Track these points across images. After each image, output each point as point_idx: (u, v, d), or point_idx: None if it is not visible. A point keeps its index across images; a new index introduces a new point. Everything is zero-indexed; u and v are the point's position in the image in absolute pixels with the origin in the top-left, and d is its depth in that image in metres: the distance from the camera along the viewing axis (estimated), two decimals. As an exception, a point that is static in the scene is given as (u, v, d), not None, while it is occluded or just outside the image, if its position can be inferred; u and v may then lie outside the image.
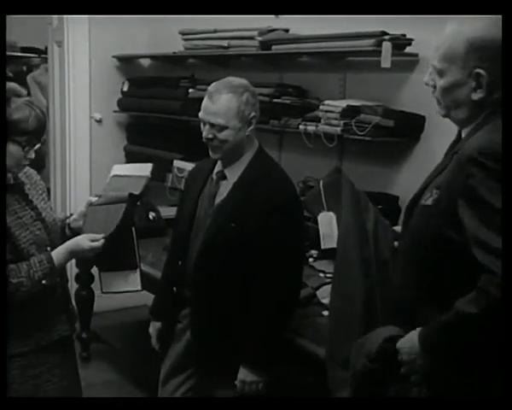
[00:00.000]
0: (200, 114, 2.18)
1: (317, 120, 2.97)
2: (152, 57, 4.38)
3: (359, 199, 1.93)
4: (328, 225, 2.04)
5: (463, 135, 1.60)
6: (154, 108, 4.06)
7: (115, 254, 2.07)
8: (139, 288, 2.11)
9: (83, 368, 3.45)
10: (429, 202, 1.53)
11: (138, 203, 2.14)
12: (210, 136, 2.15)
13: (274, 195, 2.16)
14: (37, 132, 1.95)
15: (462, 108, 1.55)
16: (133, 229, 2.07)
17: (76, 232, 2.10)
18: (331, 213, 2.04)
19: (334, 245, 1.97)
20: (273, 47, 3.24)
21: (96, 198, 2.14)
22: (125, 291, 2.13)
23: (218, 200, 2.22)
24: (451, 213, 1.46)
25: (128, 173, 2.22)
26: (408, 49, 2.82)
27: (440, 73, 1.55)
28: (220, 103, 2.13)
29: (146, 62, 4.51)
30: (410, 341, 1.51)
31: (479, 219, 1.40)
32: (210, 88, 2.19)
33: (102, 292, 2.14)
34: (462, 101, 1.54)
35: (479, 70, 1.49)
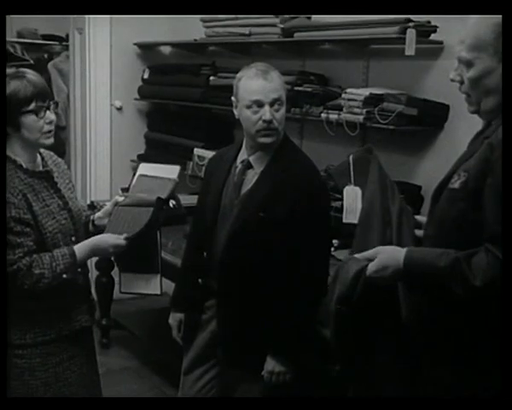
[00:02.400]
0: (259, 96, 2.11)
1: (339, 108, 2.95)
2: (173, 45, 4.38)
3: (386, 183, 1.92)
4: (352, 199, 2.02)
5: (493, 121, 1.57)
6: (175, 96, 4.07)
7: (138, 257, 2.06)
8: (158, 292, 2.11)
9: (103, 354, 3.50)
10: (456, 185, 1.52)
11: (164, 207, 2.12)
12: (271, 117, 2.11)
13: (302, 183, 2.15)
14: (40, 94, 1.93)
15: (493, 96, 1.52)
16: (158, 233, 2.07)
17: (100, 230, 2.10)
18: (357, 188, 2.02)
19: (356, 221, 1.96)
20: (295, 34, 3.22)
21: (123, 198, 2.14)
22: (144, 294, 2.13)
23: (244, 189, 2.20)
24: (478, 195, 1.46)
25: (155, 175, 2.20)
26: (433, 37, 2.78)
27: (469, 64, 1.53)
28: (276, 80, 2.14)
29: (167, 50, 4.51)
30: (393, 252, 1.56)
31: (497, 202, 1.41)
32: (249, 71, 2.16)
33: (121, 292, 2.15)
34: (494, 88, 1.51)
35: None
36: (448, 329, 1.54)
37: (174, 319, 2.44)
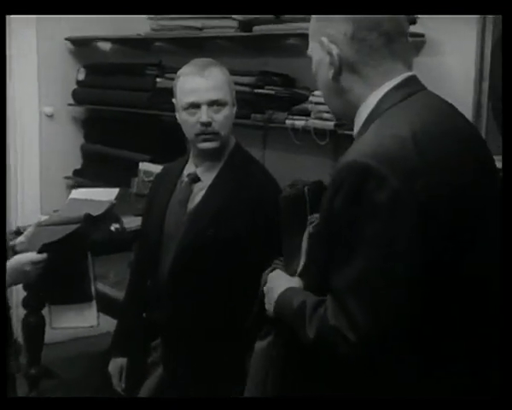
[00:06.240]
0: (194, 97, 2.21)
1: (306, 113, 3.05)
2: (113, 40, 4.40)
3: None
4: None
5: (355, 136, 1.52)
6: (116, 101, 4.10)
7: (67, 285, 2.12)
8: (95, 323, 2.15)
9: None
10: (311, 229, 1.52)
11: (100, 228, 2.15)
12: (209, 119, 2.20)
13: (257, 196, 2.22)
14: None
15: (331, 94, 1.53)
16: (89, 255, 2.11)
17: None
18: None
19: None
20: (254, 28, 3.31)
21: (47, 218, 2.19)
22: (78, 327, 2.17)
23: (191, 206, 2.28)
24: (330, 239, 1.39)
25: (89, 198, 2.24)
26: (412, 29, 2.84)
27: (312, 58, 1.55)
28: (215, 76, 2.22)
29: (106, 46, 4.52)
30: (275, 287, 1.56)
31: (338, 256, 1.35)
32: (189, 68, 2.25)
33: (52, 327, 2.19)
34: (326, 84, 1.51)
35: (323, 38, 1.47)
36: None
37: (114, 365, 2.47)
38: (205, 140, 2.23)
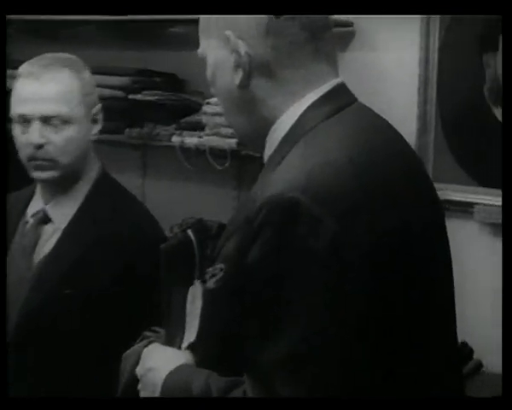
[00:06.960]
0: (24, 108, 2.18)
1: (199, 127, 3.09)
2: None
3: None
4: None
5: (265, 164, 1.50)
6: None
7: None
8: None
9: None
10: (211, 284, 1.47)
11: None
12: (43, 141, 2.15)
13: (129, 244, 2.20)
14: None
15: (235, 108, 1.51)
16: None
17: None
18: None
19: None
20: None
21: None
22: None
23: (38, 257, 2.24)
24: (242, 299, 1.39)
25: None
26: (338, 16, 2.78)
27: (206, 59, 1.52)
28: (59, 82, 2.18)
29: None
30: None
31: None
32: (29, 66, 2.22)
33: None
34: (229, 94, 1.49)
35: (227, 32, 1.44)
36: None
37: None
38: (37, 167, 2.19)
